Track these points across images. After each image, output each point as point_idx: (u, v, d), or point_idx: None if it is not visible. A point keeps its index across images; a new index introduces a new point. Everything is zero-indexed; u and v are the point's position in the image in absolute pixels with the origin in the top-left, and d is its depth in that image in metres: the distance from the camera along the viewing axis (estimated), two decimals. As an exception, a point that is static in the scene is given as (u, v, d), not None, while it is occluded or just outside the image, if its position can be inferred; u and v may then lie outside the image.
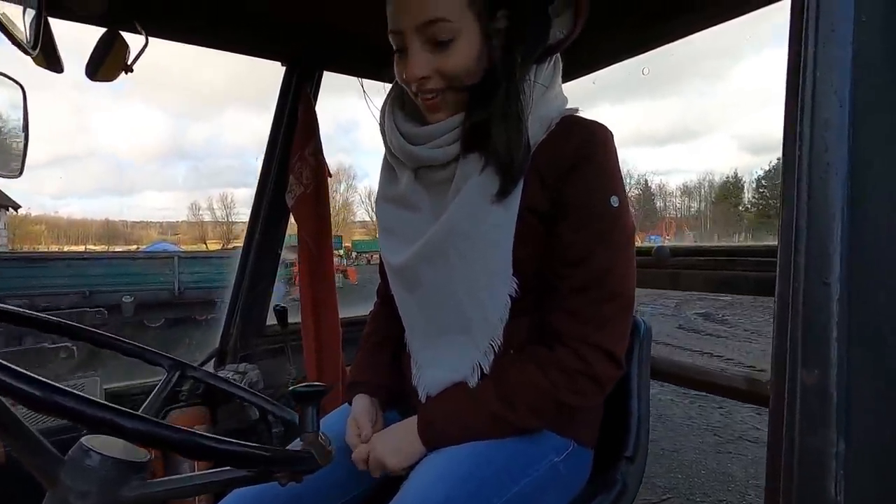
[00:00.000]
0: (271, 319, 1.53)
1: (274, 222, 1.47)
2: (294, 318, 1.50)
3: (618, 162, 0.73)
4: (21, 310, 0.66)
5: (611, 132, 0.73)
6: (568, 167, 0.69)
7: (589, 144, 0.70)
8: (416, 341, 0.81)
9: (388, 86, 0.85)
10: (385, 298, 0.94)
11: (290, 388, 0.53)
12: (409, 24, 0.69)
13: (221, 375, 1.29)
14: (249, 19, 1.31)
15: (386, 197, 0.83)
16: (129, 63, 1.16)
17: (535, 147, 0.72)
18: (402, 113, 0.81)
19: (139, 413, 0.35)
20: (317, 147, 1.44)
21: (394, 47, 0.74)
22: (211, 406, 1.29)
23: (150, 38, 1.20)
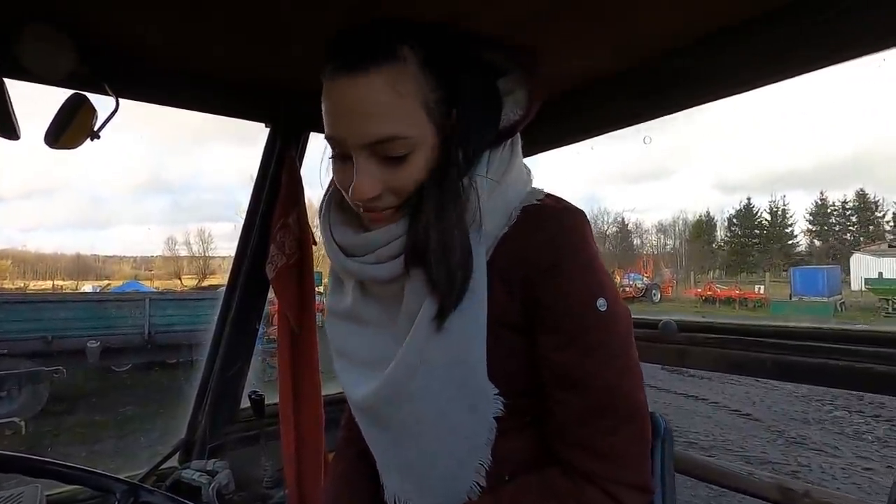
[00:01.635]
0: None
1: (252, 296, 1.35)
2: (272, 397, 1.36)
3: (597, 252, 0.63)
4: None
5: (584, 215, 0.63)
6: (539, 271, 0.59)
7: (561, 240, 0.60)
8: (391, 476, 0.69)
9: None
10: None
11: None
12: (355, 139, 0.58)
13: (186, 477, 1.14)
14: (229, 80, 1.23)
15: (334, 311, 0.73)
16: (95, 129, 1.06)
17: (496, 244, 0.62)
18: (339, 216, 0.70)
19: None
20: (301, 214, 1.34)
21: (331, 152, 0.63)
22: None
23: (121, 101, 1.11)
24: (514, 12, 0.94)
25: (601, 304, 0.59)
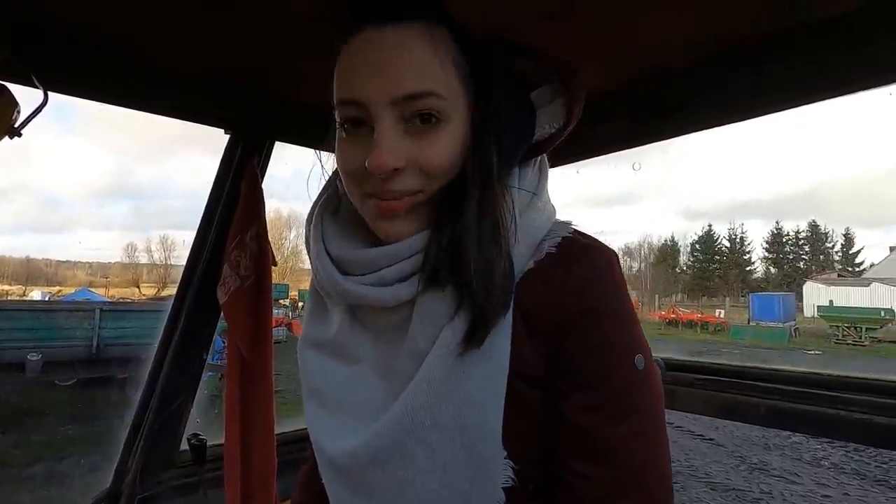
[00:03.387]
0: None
1: (199, 322, 1.19)
2: (216, 438, 1.19)
3: (629, 297, 0.55)
4: None
5: (616, 256, 0.56)
6: (572, 319, 0.51)
7: (597, 284, 0.52)
8: None
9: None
10: None
11: None
12: (380, 95, 0.50)
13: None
14: (185, 78, 1.09)
15: (312, 341, 0.61)
16: (16, 126, 0.91)
17: (519, 281, 0.53)
18: (335, 226, 0.60)
19: None
20: (261, 231, 1.20)
21: (340, 122, 0.54)
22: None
23: (49, 95, 0.96)
24: (504, 23, 0.86)
25: (639, 361, 0.51)
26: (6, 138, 0.91)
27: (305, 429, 1.48)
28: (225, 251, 1.17)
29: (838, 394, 1.01)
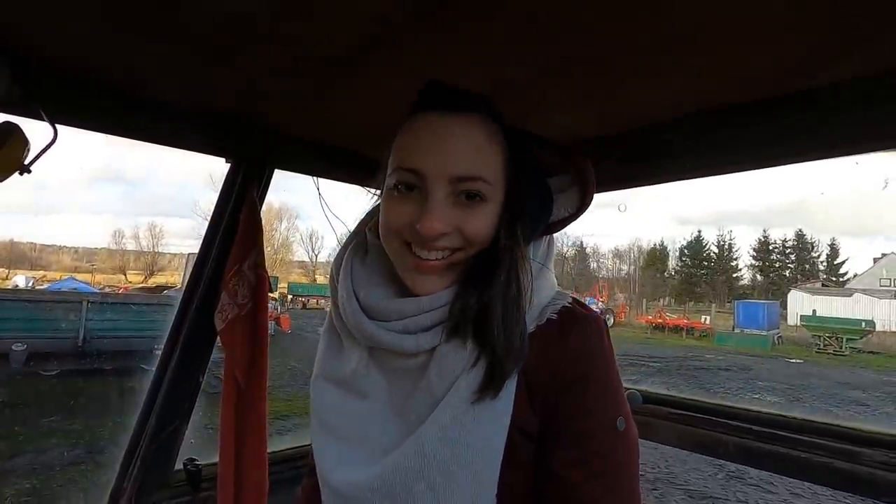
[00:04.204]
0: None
1: (197, 347, 1.22)
2: (210, 456, 1.23)
3: (615, 363, 0.62)
4: None
5: (605, 323, 0.63)
6: (566, 381, 0.58)
7: (590, 351, 0.59)
8: None
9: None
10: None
11: None
12: (440, 170, 0.58)
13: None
14: (189, 110, 1.13)
15: (326, 375, 0.65)
16: (26, 163, 0.94)
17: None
18: (363, 271, 0.65)
19: None
20: (258, 259, 1.24)
21: (395, 184, 0.61)
22: None
23: (59, 129, 0.98)
24: (504, 73, 0.91)
25: (620, 423, 0.58)
26: (16, 174, 0.94)
27: (295, 448, 1.53)
28: (223, 279, 1.21)
29: (802, 437, 1.07)
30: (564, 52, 0.83)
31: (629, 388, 1.37)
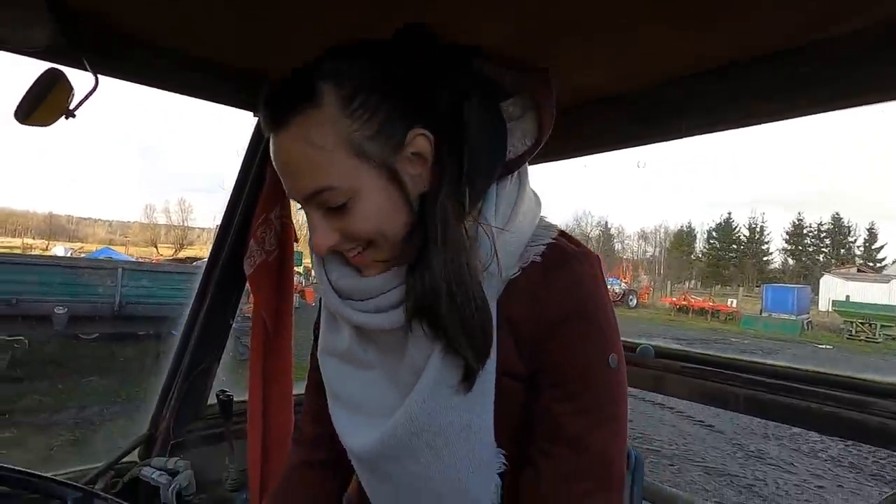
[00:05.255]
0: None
1: (227, 290, 1.30)
2: (242, 394, 1.31)
3: (610, 301, 0.60)
4: None
5: (599, 260, 0.59)
6: (553, 323, 0.55)
7: (578, 290, 0.56)
8: None
9: None
10: (310, 449, 0.76)
11: None
12: (296, 194, 0.56)
13: (146, 475, 1.10)
14: (218, 63, 1.17)
15: (329, 349, 0.67)
16: (71, 108, 1.00)
17: (504, 288, 0.57)
18: (335, 254, 0.62)
19: None
20: (285, 210, 1.30)
21: None
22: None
23: (99, 79, 1.04)
24: (515, 27, 0.91)
25: (612, 360, 0.56)
26: (62, 118, 1.01)
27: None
28: (251, 227, 1.27)
29: (813, 388, 1.09)
30: (580, 5, 0.83)
31: (641, 343, 1.40)
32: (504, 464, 0.58)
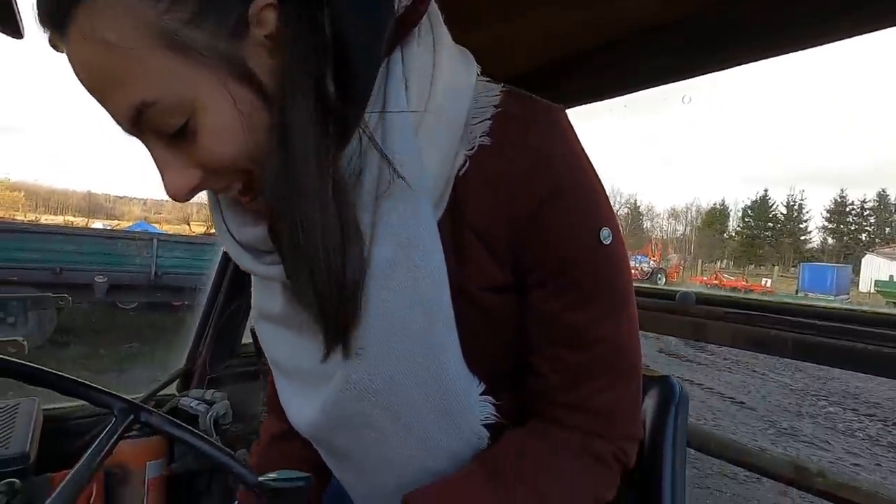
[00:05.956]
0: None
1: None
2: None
3: (590, 163, 0.48)
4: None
5: (563, 113, 0.47)
6: (526, 216, 0.45)
7: (549, 167, 0.44)
8: (368, 500, 0.57)
9: None
10: None
11: (261, 479, 0.44)
12: (116, 120, 0.40)
13: (184, 405, 1.13)
14: None
15: (263, 314, 0.56)
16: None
17: (451, 185, 0.45)
18: (232, 203, 0.50)
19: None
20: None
21: None
22: (169, 438, 1.12)
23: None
24: None
25: (605, 235, 0.46)
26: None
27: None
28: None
29: (866, 328, 1.02)
30: None
31: (680, 290, 1.34)
32: (491, 413, 0.49)
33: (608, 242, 0.46)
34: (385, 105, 0.43)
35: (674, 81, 1.27)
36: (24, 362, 0.62)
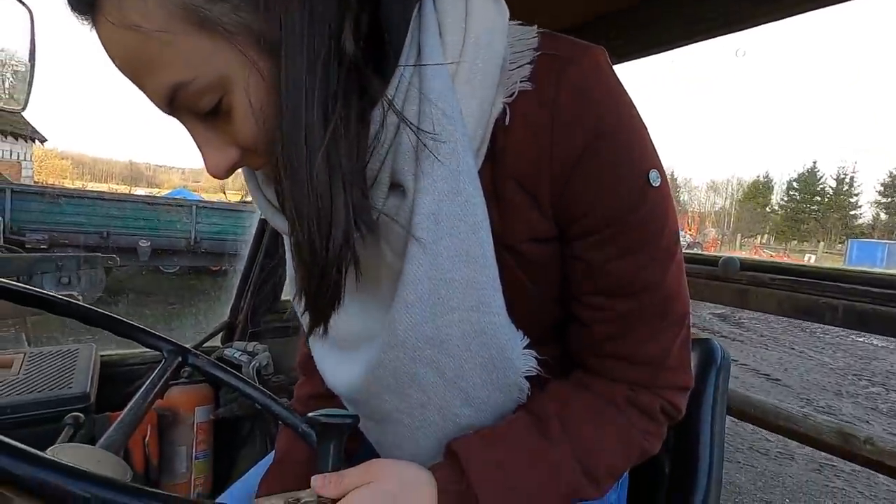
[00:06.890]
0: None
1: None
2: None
3: (633, 103, 0.46)
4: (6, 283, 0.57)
5: (604, 53, 0.44)
6: (571, 163, 0.43)
7: (594, 110, 0.42)
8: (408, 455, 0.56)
9: None
10: None
11: (310, 414, 0.45)
12: (156, 101, 0.40)
13: (228, 355, 1.18)
14: None
15: (293, 275, 0.57)
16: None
17: (495, 128, 0.44)
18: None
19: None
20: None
21: None
22: (215, 385, 1.18)
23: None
24: None
25: (654, 177, 0.45)
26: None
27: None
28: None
29: (931, 297, 0.97)
30: None
31: (722, 255, 1.30)
32: (534, 366, 0.49)
33: (657, 184, 0.45)
34: (420, 54, 0.41)
35: (719, 35, 1.19)
36: (87, 306, 0.66)
